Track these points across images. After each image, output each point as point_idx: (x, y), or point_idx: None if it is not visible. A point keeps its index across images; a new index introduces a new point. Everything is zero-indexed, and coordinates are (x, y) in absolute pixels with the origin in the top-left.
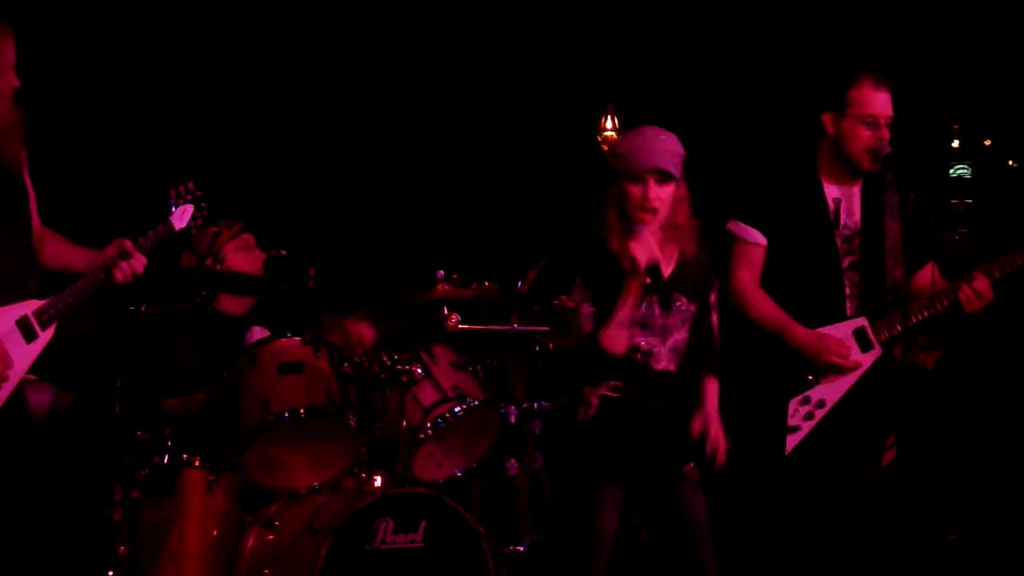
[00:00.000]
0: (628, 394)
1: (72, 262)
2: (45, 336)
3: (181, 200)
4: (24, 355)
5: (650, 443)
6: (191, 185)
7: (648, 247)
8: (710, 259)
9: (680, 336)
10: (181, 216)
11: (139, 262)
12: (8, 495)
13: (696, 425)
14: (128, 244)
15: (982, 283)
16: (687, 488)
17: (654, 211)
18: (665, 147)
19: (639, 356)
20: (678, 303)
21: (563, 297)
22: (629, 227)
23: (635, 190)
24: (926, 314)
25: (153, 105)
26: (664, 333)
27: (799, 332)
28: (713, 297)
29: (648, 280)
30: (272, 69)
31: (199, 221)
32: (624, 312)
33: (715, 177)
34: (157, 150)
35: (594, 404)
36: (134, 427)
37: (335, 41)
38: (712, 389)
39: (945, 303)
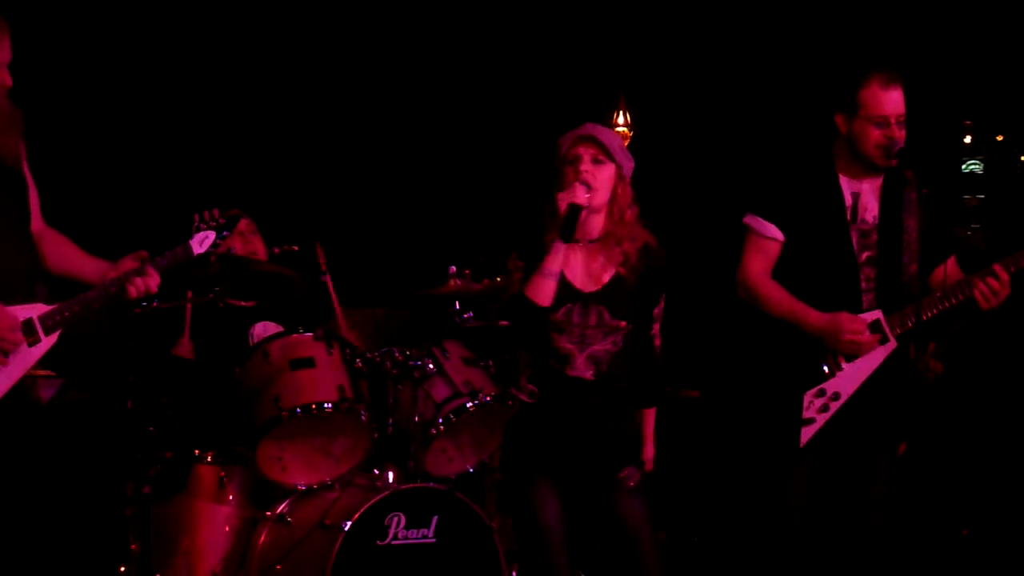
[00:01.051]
0: (543, 400)
1: (81, 270)
2: (48, 341)
3: (204, 225)
4: (24, 358)
5: (570, 449)
6: (216, 212)
7: (578, 193)
8: (659, 269)
9: (601, 347)
10: (202, 242)
11: (154, 280)
12: (20, 492)
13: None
14: (146, 260)
15: (998, 279)
16: (621, 495)
17: (586, 185)
18: (608, 136)
19: (554, 361)
20: (599, 316)
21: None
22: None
23: (573, 164)
24: (941, 308)
25: (169, 103)
26: (582, 341)
27: (813, 316)
28: (656, 311)
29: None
30: (285, 66)
31: (220, 249)
32: (548, 262)
33: (730, 172)
34: (172, 148)
35: (516, 406)
36: (146, 423)
37: (349, 39)
38: (649, 430)
39: (960, 297)
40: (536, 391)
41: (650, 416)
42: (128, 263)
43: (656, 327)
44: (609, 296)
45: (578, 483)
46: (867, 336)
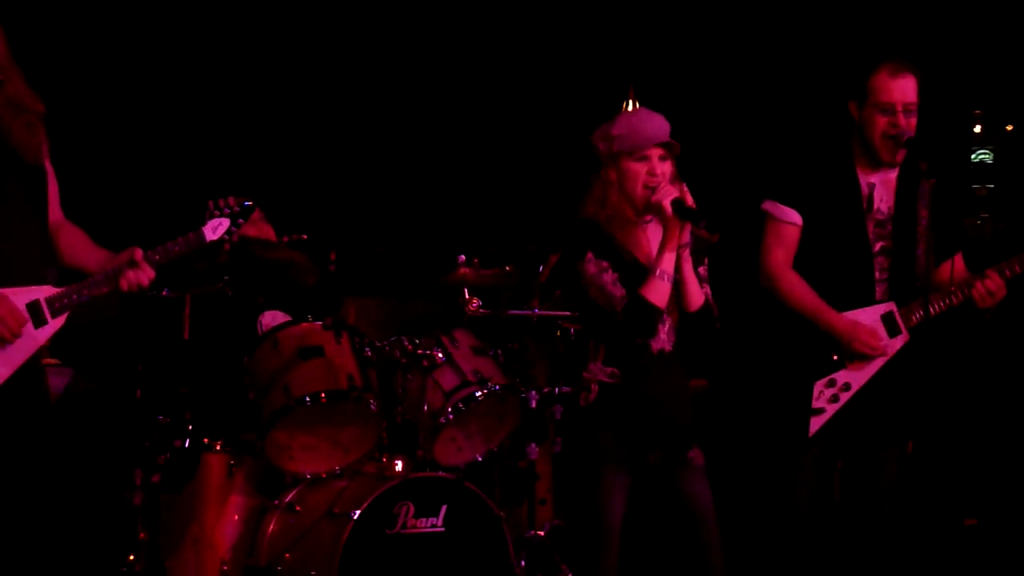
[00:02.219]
0: (626, 379)
1: (87, 261)
2: (54, 324)
3: (218, 212)
4: (30, 339)
5: (651, 428)
6: (231, 200)
7: (670, 189)
8: (706, 232)
9: (676, 315)
10: (215, 229)
11: (146, 274)
12: (29, 480)
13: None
14: (138, 254)
15: (994, 282)
16: (691, 474)
17: (655, 188)
18: (664, 127)
19: (639, 340)
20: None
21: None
22: (632, 211)
23: (652, 165)
24: (952, 303)
25: (182, 94)
26: (666, 312)
27: (832, 317)
28: (703, 270)
29: (682, 220)
30: (297, 56)
31: (235, 238)
32: (667, 261)
33: (745, 161)
34: (185, 138)
35: (594, 390)
36: (155, 411)
37: (362, 28)
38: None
39: (960, 297)
40: (618, 372)
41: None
42: (124, 256)
43: (707, 288)
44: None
45: (653, 463)
46: (879, 350)
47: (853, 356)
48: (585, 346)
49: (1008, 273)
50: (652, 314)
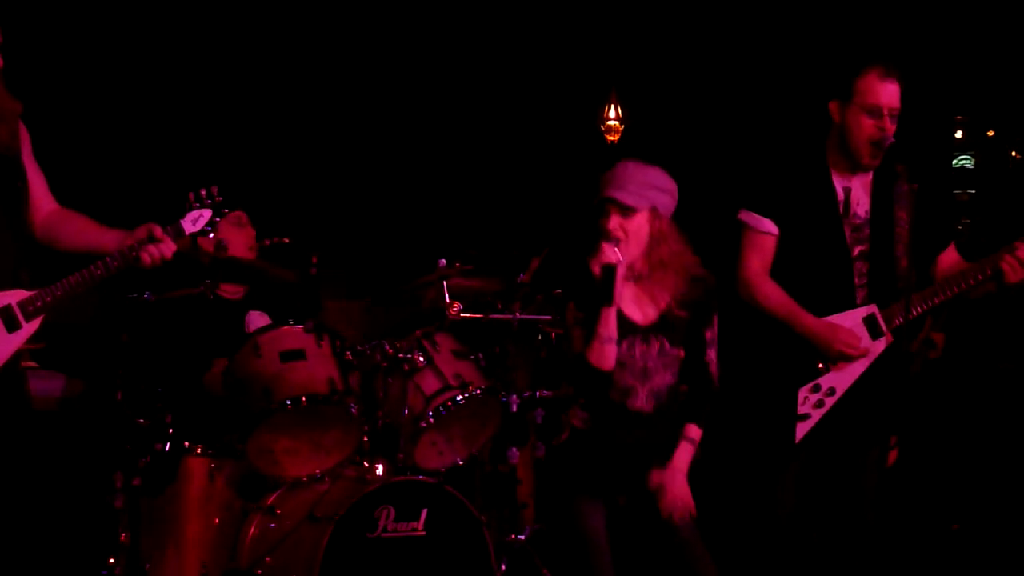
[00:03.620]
0: (596, 428)
1: (99, 242)
2: (28, 328)
3: (198, 204)
4: (4, 344)
5: (619, 477)
6: (214, 190)
7: (608, 253)
8: (708, 293)
9: (663, 379)
10: (195, 221)
11: (168, 247)
12: (9, 483)
13: (653, 479)
14: (158, 228)
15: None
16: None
17: (616, 240)
18: (635, 179)
19: (616, 395)
20: (660, 346)
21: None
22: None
23: (602, 219)
24: (935, 302)
25: (164, 95)
26: (645, 376)
27: (809, 321)
28: (709, 333)
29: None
30: (278, 59)
31: (217, 238)
32: (601, 327)
33: (724, 167)
34: (166, 139)
35: (566, 432)
36: (136, 414)
37: (340, 31)
38: (686, 445)
39: (979, 278)
40: (589, 418)
41: (692, 432)
42: (142, 232)
43: (711, 353)
44: (667, 326)
45: (622, 504)
46: (859, 350)
47: (834, 359)
48: (571, 383)
49: None
50: (595, 375)
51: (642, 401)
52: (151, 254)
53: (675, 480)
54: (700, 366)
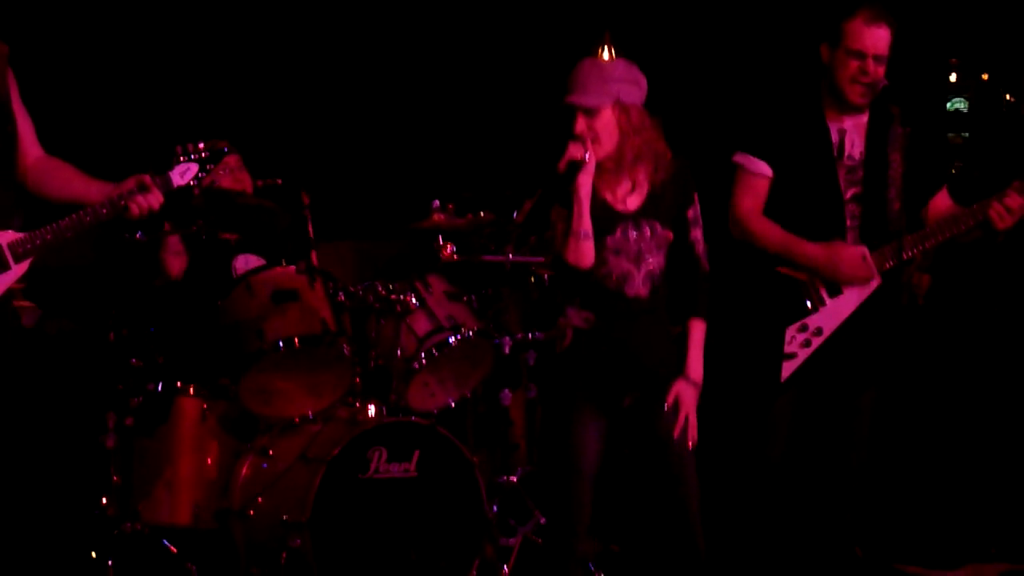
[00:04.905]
0: (600, 325)
1: (85, 193)
2: (17, 269)
3: (185, 157)
4: None
5: (624, 372)
6: (200, 144)
7: (573, 150)
8: (685, 173)
9: (655, 260)
10: (183, 174)
11: (156, 198)
12: (1, 422)
13: (672, 391)
14: (147, 179)
15: (1015, 200)
16: (668, 417)
17: (585, 141)
18: (594, 77)
19: (612, 283)
20: (651, 229)
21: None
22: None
23: (573, 124)
24: (927, 245)
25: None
26: (639, 259)
27: (808, 248)
28: (691, 212)
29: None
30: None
31: (205, 182)
32: (575, 223)
33: (720, 109)
34: (158, 80)
35: (568, 336)
36: (129, 354)
37: None
38: (696, 349)
39: (969, 223)
40: (592, 317)
41: (696, 330)
42: (131, 183)
43: (696, 232)
44: (654, 208)
45: (627, 407)
46: (866, 264)
47: (841, 281)
48: (560, 291)
49: None
50: (571, 271)
51: (639, 285)
52: (139, 205)
53: (691, 397)
54: (687, 247)
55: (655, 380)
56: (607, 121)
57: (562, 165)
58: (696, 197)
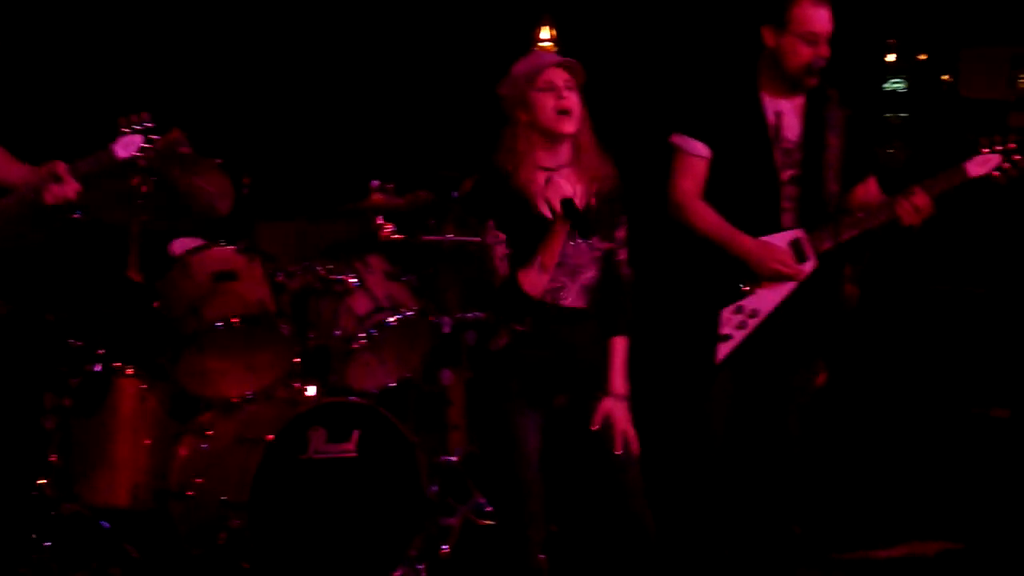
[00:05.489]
0: (537, 327)
1: (7, 175)
2: None
3: (129, 130)
4: None
5: (557, 374)
6: (144, 116)
7: (563, 186)
8: (619, 194)
9: (590, 274)
10: (127, 146)
11: (71, 187)
12: None
13: (600, 411)
14: (60, 167)
15: (922, 199)
16: (608, 431)
17: (569, 112)
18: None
19: (548, 296)
20: (591, 243)
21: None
22: (541, 149)
23: (546, 99)
24: (861, 229)
25: (97, 12)
26: (574, 272)
27: (743, 240)
28: (621, 232)
29: (568, 223)
30: None
31: (151, 154)
32: (548, 256)
33: (657, 92)
34: (99, 59)
35: (504, 336)
36: (67, 335)
37: None
38: (620, 365)
39: (882, 218)
40: (530, 320)
41: (620, 347)
42: (45, 170)
43: (623, 253)
44: (594, 222)
45: (560, 407)
46: (793, 269)
47: (766, 277)
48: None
49: (936, 190)
50: (522, 299)
51: (574, 298)
52: (54, 194)
53: (623, 411)
54: (613, 266)
55: (590, 381)
56: (579, 102)
57: (556, 203)
58: (624, 220)
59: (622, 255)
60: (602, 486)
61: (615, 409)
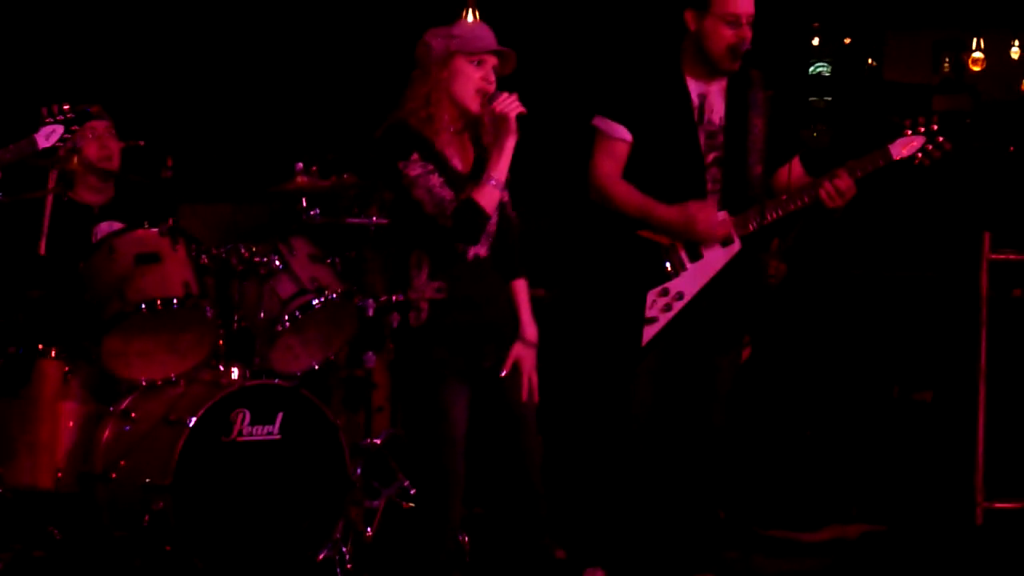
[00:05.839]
0: (453, 290)
1: None
2: None
3: (51, 119)
4: None
5: (481, 332)
6: (66, 107)
7: (513, 101)
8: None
9: (492, 222)
10: (48, 136)
11: None
12: None
13: (510, 356)
14: None
15: (844, 181)
16: (514, 378)
17: (487, 95)
18: (486, 28)
19: (460, 244)
20: None
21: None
22: (454, 115)
23: (473, 72)
24: (786, 210)
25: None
26: None
27: (664, 211)
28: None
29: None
30: None
31: (69, 144)
32: (500, 171)
33: (579, 74)
34: (23, 42)
35: (424, 308)
36: None
37: None
38: (527, 307)
39: (806, 200)
40: (444, 285)
41: (522, 289)
42: None
43: (506, 194)
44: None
45: (488, 367)
46: (721, 223)
47: (698, 240)
48: (406, 262)
49: (859, 172)
50: (481, 219)
51: (481, 245)
52: None
53: (531, 358)
54: (503, 207)
55: (506, 337)
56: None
57: (510, 115)
58: None
59: (505, 195)
60: (501, 436)
61: (524, 355)
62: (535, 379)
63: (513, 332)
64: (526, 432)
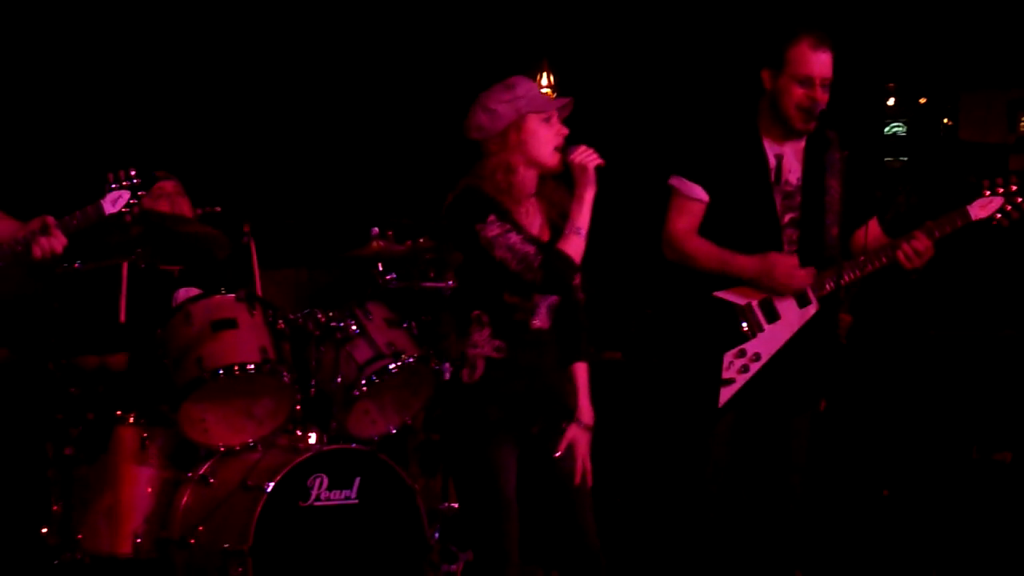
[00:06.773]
0: (512, 353)
1: None
2: None
3: (117, 185)
4: None
5: (534, 399)
6: (132, 172)
7: (589, 152)
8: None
9: (554, 295)
10: (114, 201)
11: (59, 241)
12: None
13: (566, 437)
14: (50, 220)
15: (922, 243)
16: (569, 460)
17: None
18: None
19: (521, 314)
20: None
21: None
22: (530, 177)
23: (546, 131)
24: (863, 272)
25: (90, 60)
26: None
27: (743, 260)
28: None
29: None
30: (207, 22)
31: (135, 210)
32: (583, 220)
33: (656, 133)
34: (95, 108)
35: (480, 366)
36: (68, 383)
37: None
38: (583, 388)
39: (884, 260)
40: (503, 345)
41: (582, 373)
42: (35, 223)
43: (578, 277)
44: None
45: (536, 434)
46: (801, 272)
47: (779, 290)
48: (466, 320)
49: (937, 233)
50: (570, 269)
51: (543, 318)
52: (42, 247)
53: (585, 442)
54: (571, 288)
55: (563, 409)
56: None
57: (589, 166)
58: None
59: (577, 279)
60: (556, 512)
61: (579, 438)
62: (588, 463)
63: (566, 407)
64: (582, 513)
